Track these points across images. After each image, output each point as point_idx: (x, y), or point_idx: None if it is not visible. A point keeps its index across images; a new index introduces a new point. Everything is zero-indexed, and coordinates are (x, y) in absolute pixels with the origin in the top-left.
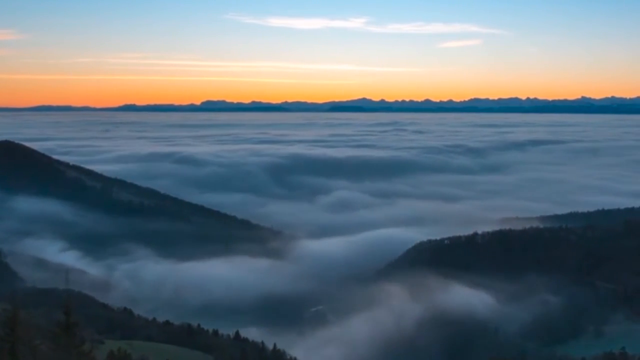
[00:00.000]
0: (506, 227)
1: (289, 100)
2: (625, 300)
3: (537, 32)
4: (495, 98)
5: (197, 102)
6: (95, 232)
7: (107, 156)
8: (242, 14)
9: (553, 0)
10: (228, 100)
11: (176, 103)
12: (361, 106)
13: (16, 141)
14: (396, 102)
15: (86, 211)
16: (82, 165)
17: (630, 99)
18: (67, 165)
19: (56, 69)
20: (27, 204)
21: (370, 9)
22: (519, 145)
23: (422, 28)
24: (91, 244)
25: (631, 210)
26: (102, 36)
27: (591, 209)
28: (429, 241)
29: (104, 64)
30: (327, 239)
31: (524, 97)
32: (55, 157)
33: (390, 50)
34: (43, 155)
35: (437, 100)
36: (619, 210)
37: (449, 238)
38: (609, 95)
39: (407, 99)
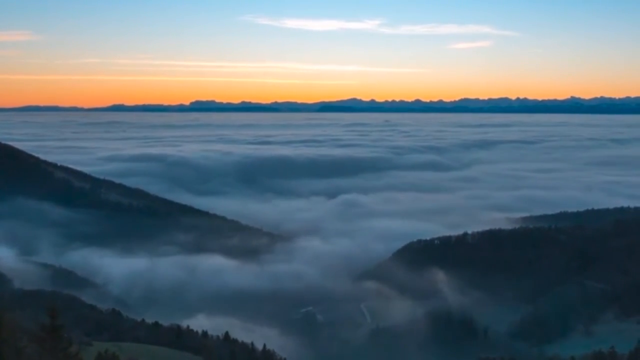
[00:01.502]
0: (496, 227)
1: (279, 101)
2: (615, 300)
3: (543, 33)
4: (485, 98)
5: (187, 103)
6: (84, 233)
7: (82, 157)
8: (259, 15)
9: (548, 2)
10: (218, 100)
11: (165, 103)
12: (351, 106)
13: (2, 142)
14: (386, 102)
15: (74, 212)
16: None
17: (620, 99)
18: (54, 165)
19: (50, 69)
20: (14, 205)
21: (385, 11)
22: (488, 144)
23: (434, 29)
24: (79, 244)
25: (620, 210)
26: (109, 38)
27: (580, 209)
28: (419, 241)
29: (110, 65)
30: (315, 240)
31: (513, 97)
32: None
33: (395, 52)
34: (30, 155)
35: (427, 101)
36: (608, 210)
37: (439, 238)
38: (599, 96)
39: (397, 99)
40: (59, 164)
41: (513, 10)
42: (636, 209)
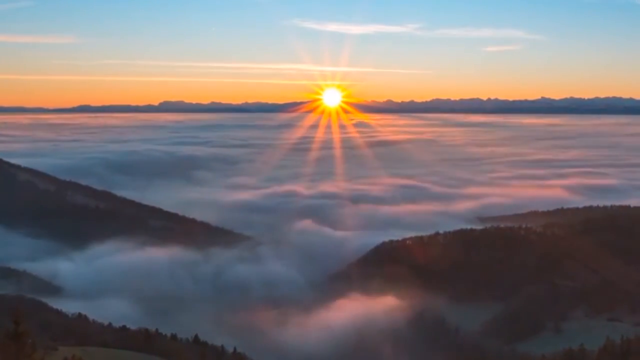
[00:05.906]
0: (467, 226)
1: (249, 101)
2: (584, 297)
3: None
4: (457, 99)
5: (155, 103)
6: (50, 235)
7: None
8: (305, 19)
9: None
10: (186, 100)
11: (133, 104)
12: None
13: None
14: (357, 102)
15: (39, 214)
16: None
17: (589, 99)
18: (18, 167)
19: (19, 69)
20: None
21: (425, 14)
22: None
23: (470, 33)
24: (45, 247)
25: (589, 209)
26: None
27: (551, 208)
28: (391, 241)
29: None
30: (289, 241)
31: (485, 98)
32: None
33: (397, 53)
34: None
35: (399, 101)
36: (577, 209)
37: (410, 238)
38: (568, 96)
39: (368, 100)
40: (22, 165)
41: (487, 11)
42: (605, 207)
